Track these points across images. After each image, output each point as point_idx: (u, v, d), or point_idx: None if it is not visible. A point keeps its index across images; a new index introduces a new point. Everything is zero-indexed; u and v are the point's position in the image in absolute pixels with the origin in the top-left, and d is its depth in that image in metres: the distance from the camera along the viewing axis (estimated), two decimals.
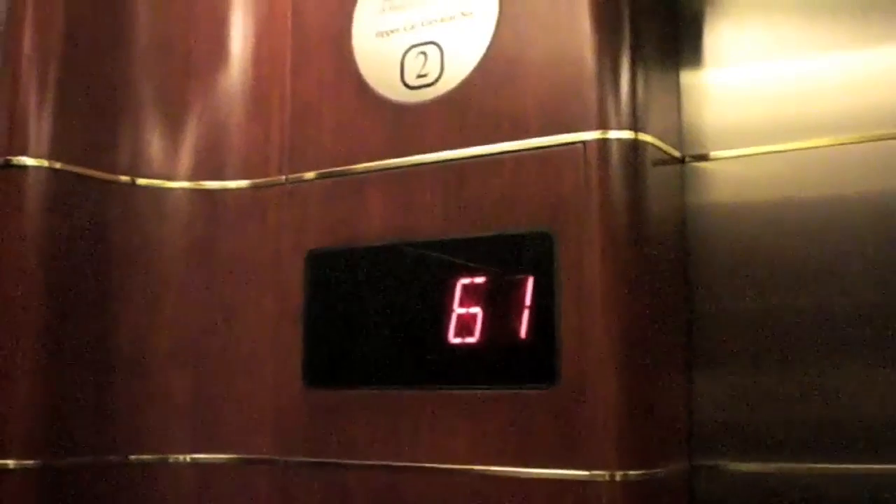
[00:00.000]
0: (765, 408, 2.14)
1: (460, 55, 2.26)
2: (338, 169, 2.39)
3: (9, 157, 2.28)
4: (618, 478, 1.95)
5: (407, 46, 2.34)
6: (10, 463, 2.19)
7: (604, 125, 2.06)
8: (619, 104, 2.07)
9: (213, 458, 2.46)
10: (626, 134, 2.06)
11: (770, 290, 2.17)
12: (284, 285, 2.44)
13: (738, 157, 2.25)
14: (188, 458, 2.46)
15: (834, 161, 2.14)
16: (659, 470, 2.03)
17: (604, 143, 2.05)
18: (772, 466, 2.12)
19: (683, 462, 2.18)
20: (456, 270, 2.19)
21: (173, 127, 2.56)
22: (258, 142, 2.55)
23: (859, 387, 2.06)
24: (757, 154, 2.23)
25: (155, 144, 2.54)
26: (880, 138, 2.10)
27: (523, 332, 2.09)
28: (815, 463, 2.08)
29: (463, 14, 2.27)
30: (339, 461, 2.28)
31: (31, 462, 2.21)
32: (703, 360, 2.22)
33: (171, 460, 2.45)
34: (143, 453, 2.43)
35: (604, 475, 1.95)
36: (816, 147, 2.16)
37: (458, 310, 2.17)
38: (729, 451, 2.17)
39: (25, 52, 2.33)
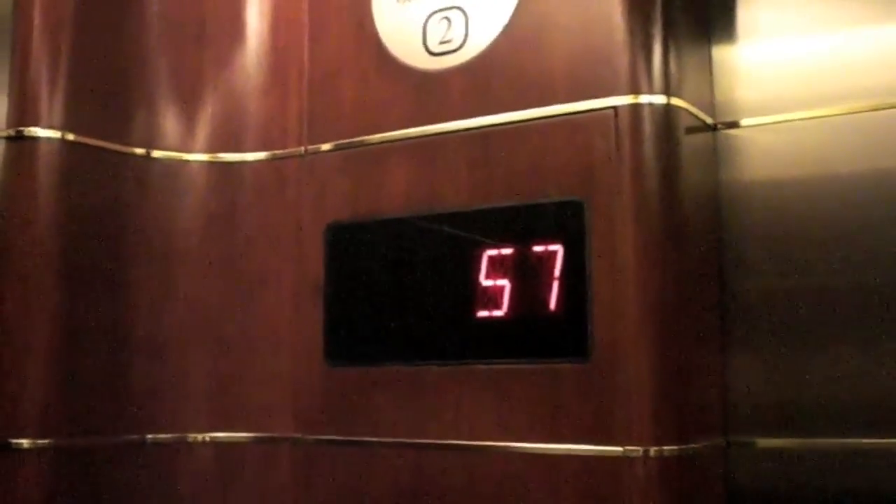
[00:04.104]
0: (800, 384, 2.10)
1: (485, 20, 2.20)
2: (358, 139, 2.34)
3: (20, 128, 2.25)
4: (652, 453, 1.90)
5: (429, 12, 2.28)
6: (25, 443, 2.16)
7: (636, 90, 2.00)
8: (652, 68, 2.02)
9: (233, 437, 2.42)
10: (659, 98, 2.01)
11: (803, 260, 2.12)
12: (304, 259, 2.39)
13: (769, 124, 2.21)
14: (207, 437, 2.42)
15: (865, 127, 2.10)
16: (694, 445, 1.98)
17: (636, 107, 2.00)
18: (807, 443, 2.08)
19: (718, 438, 2.12)
20: (482, 242, 2.14)
21: (189, 98, 2.52)
22: (276, 113, 2.51)
23: (895, 363, 2.01)
24: (787, 121, 2.18)
25: (171, 116, 2.50)
26: None
27: (553, 305, 2.04)
28: (850, 439, 2.04)
29: None
30: (363, 439, 2.24)
31: (45, 442, 2.18)
32: (737, 335, 2.17)
33: (189, 439, 2.42)
34: (160, 432, 2.39)
35: (638, 451, 1.91)
36: (845, 113, 2.12)
37: (484, 282, 2.12)
38: (764, 428, 2.13)
39: (37, 22, 2.29)
